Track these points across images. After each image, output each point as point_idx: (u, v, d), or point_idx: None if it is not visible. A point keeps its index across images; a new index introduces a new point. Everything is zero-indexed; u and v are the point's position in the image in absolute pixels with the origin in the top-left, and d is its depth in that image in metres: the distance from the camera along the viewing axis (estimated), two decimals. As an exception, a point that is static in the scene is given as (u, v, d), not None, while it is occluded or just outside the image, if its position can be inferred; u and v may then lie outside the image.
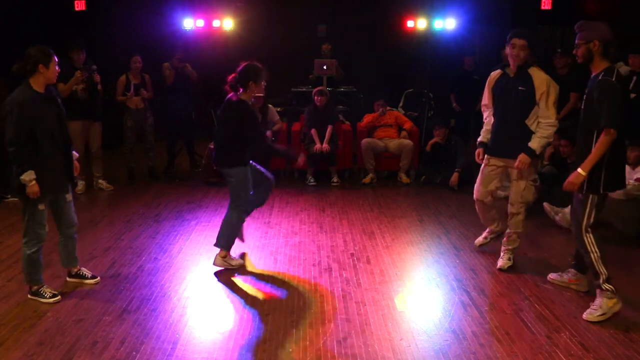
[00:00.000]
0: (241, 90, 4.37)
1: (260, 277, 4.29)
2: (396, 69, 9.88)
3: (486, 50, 9.41)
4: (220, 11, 8.84)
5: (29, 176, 3.61)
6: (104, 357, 3.13)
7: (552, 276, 4.21)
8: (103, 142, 6.89)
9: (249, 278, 4.28)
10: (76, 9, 8.82)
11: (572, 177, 3.57)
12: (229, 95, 4.43)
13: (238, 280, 4.26)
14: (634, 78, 6.21)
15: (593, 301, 3.66)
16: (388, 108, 7.79)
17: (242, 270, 4.44)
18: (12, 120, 3.59)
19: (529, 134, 4.23)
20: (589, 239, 3.60)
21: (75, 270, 4.19)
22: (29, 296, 3.85)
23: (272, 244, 5.03)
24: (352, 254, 4.75)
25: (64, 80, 6.35)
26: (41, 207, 3.77)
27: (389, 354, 3.18)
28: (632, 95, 6.14)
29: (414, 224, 5.64)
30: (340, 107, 8.44)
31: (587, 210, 3.59)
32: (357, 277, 4.26)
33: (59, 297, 3.83)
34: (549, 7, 9.22)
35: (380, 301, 3.85)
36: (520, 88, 4.22)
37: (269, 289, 4.06)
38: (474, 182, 7.09)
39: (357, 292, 3.99)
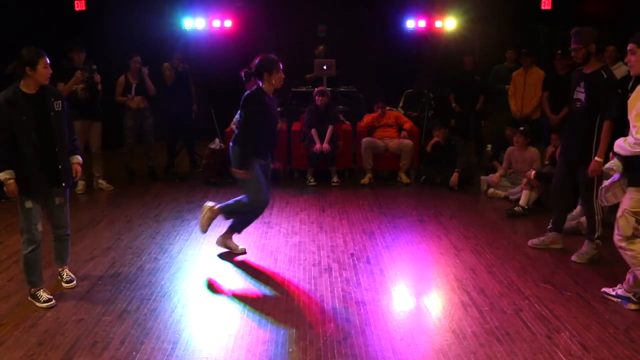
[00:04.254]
0: (259, 83, 4.44)
1: (260, 277, 4.29)
2: (396, 69, 9.88)
3: (486, 50, 9.41)
4: (220, 11, 8.84)
5: (4, 175, 3.62)
6: (104, 357, 3.13)
7: (532, 241, 4.86)
8: (103, 142, 6.89)
9: (249, 278, 4.27)
10: (76, 9, 8.83)
11: (593, 166, 4.19)
12: (249, 88, 4.52)
13: (238, 280, 4.27)
14: (633, 78, 6.20)
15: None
16: (388, 108, 7.79)
17: (242, 270, 4.44)
18: None
19: None
20: (597, 205, 4.34)
21: (60, 269, 4.17)
22: (28, 298, 3.85)
23: (272, 244, 5.03)
24: (352, 254, 4.75)
25: (64, 80, 6.36)
26: (28, 205, 3.73)
27: (389, 354, 3.18)
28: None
29: (414, 224, 5.64)
30: (340, 107, 8.44)
31: (595, 183, 4.24)
32: (357, 277, 4.26)
33: (53, 302, 3.76)
34: (549, 7, 9.24)
35: (380, 301, 3.85)
36: None
37: (269, 289, 4.06)
38: (474, 182, 7.16)
39: (357, 292, 3.99)
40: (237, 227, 4.76)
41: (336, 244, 5.00)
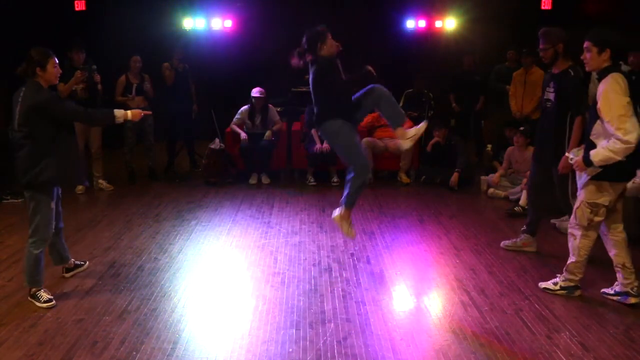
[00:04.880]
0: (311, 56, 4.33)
1: (260, 277, 4.29)
2: (396, 69, 9.87)
3: (486, 50, 9.41)
4: (220, 11, 8.84)
5: (119, 112, 3.92)
6: (104, 357, 3.13)
7: (505, 243, 4.87)
8: (103, 142, 6.90)
9: (249, 278, 4.27)
10: (76, 9, 8.83)
11: (563, 162, 4.15)
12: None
13: (238, 280, 4.27)
14: (634, 78, 6.20)
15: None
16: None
17: (242, 270, 4.44)
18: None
19: None
20: (573, 201, 4.18)
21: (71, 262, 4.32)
22: (28, 298, 3.85)
23: (272, 244, 5.03)
24: (352, 254, 4.75)
25: (63, 80, 6.34)
26: (52, 205, 3.82)
27: (389, 354, 3.18)
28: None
29: (414, 224, 5.64)
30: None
31: (569, 180, 4.32)
32: (357, 277, 4.26)
33: (53, 302, 3.76)
34: (549, 7, 9.23)
35: (380, 301, 3.85)
36: None
37: (269, 289, 4.06)
38: (474, 182, 7.16)
39: (357, 292, 3.99)
40: (351, 202, 4.33)
41: (336, 244, 5.00)
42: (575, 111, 4.26)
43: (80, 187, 6.70)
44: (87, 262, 4.40)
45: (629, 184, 5.11)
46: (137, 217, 5.79)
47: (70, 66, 6.38)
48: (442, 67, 9.04)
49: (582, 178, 3.76)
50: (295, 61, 4.51)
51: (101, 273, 4.30)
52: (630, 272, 3.76)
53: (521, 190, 6.06)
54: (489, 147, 8.82)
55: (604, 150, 3.48)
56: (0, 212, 5.96)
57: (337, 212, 4.36)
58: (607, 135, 3.49)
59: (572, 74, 4.29)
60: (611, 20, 8.50)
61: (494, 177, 6.74)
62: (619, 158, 3.45)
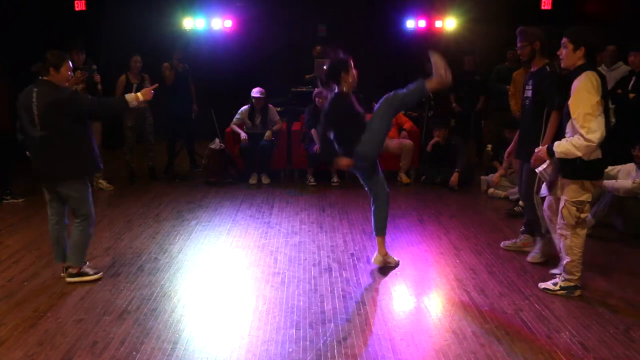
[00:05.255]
0: (335, 86, 4.39)
1: (260, 277, 4.29)
2: (396, 69, 9.88)
3: (486, 50, 9.41)
4: (220, 11, 8.84)
5: (130, 96, 4.27)
6: (104, 357, 3.13)
7: (505, 243, 4.90)
8: (103, 142, 6.89)
9: (249, 278, 4.27)
10: (76, 9, 8.83)
11: (540, 153, 3.97)
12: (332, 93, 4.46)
13: (238, 280, 4.27)
14: (634, 78, 6.21)
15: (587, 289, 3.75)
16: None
17: (242, 270, 4.44)
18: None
19: None
20: (537, 200, 4.45)
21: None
22: (69, 280, 4.10)
23: (272, 244, 5.03)
24: (352, 254, 4.75)
25: (64, 80, 6.36)
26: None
27: (389, 354, 3.18)
28: (632, 95, 6.14)
29: (414, 224, 5.64)
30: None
31: (537, 178, 4.29)
32: (357, 277, 4.26)
33: (101, 273, 4.21)
34: (549, 7, 9.24)
35: (380, 301, 3.85)
36: None
37: (269, 289, 4.06)
38: (474, 182, 7.16)
39: (357, 292, 3.99)
40: (382, 230, 4.51)
41: (336, 244, 5.00)
42: (550, 105, 4.24)
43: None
44: (101, 273, 4.25)
45: (629, 184, 5.14)
46: (137, 217, 5.79)
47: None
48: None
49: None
50: (320, 96, 4.63)
51: (101, 273, 4.30)
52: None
53: (522, 191, 6.06)
54: (489, 147, 8.81)
55: (567, 144, 3.58)
56: (0, 212, 5.96)
57: (375, 255, 4.49)
58: (574, 131, 3.58)
59: (548, 69, 4.30)
60: (611, 20, 8.51)
61: (494, 177, 6.71)
62: (579, 154, 3.54)
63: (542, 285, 4.01)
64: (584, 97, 3.52)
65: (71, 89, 4.18)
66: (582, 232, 3.82)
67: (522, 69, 7.34)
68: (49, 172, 4.01)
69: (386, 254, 4.48)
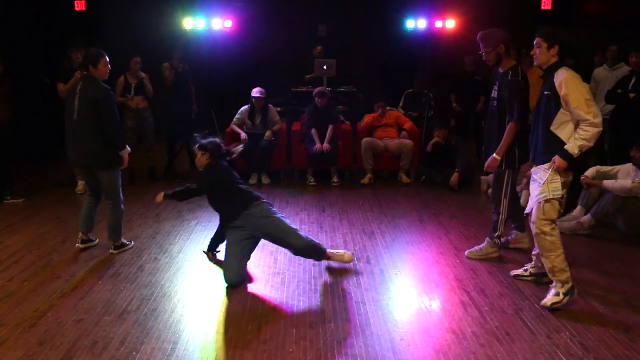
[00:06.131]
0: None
1: (260, 277, 4.28)
2: (396, 69, 9.88)
3: (486, 51, 9.40)
4: (220, 11, 8.83)
5: (126, 151, 4.65)
6: (104, 357, 3.13)
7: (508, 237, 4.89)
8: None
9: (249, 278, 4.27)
10: (76, 9, 8.82)
11: (490, 162, 4.38)
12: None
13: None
14: (634, 78, 6.21)
15: (549, 291, 3.88)
16: (388, 108, 7.79)
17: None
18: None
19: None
20: (504, 204, 4.51)
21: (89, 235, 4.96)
22: (113, 252, 4.70)
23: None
24: (352, 254, 4.75)
25: (64, 80, 6.36)
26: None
27: (389, 354, 3.18)
28: (632, 95, 6.14)
29: (414, 224, 5.64)
30: (340, 107, 8.44)
31: (506, 181, 4.44)
32: (357, 277, 4.26)
33: (132, 242, 4.89)
34: (549, 7, 9.23)
35: (380, 301, 3.85)
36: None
37: (269, 289, 4.06)
38: (474, 182, 7.16)
39: (357, 292, 3.99)
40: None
41: (336, 244, 5.00)
42: (510, 115, 4.23)
43: (79, 188, 6.70)
44: (97, 239, 4.93)
45: (629, 184, 5.14)
46: (137, 217, 5.79)
47: (71, 66, 6.38)
48: (442, 67, 9.03)
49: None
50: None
51: (101, 273, 4.30)
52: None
53: (521, 191, 6.06)
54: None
55: (577, 142, 3.57)
56: (0, 212, 5.96)
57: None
58: (574, 120, 3.59)
59: (511, 75, 4.25)
60: (611, 20, 8.51)
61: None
62: (592, 144, 3.57)
63: (547, 302, 3.72)
64: (578, 85, 3.57)
65: (111, 94, 4.61)
66: (557, 224, 3.80)
67: (522, 69, 7.36)
68: (80, 159, 4.58)
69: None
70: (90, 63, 4.52)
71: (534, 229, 3.78)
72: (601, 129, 3.54)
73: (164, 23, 8.90)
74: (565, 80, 3.58)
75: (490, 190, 6.67)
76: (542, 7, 9.26)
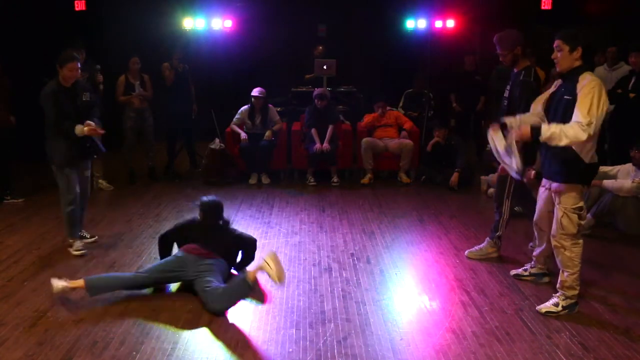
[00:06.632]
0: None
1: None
2: (396, 69, 9.88)
3: (486, 51, 9.41)
4: (220, 11, 8.83)
5: (79, 128, 4.55)
6: (104, 357, 3.13)
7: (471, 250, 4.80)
8: (103, 143, 6.86)
9: (249, 278, 4.27)
10: (76, 9, 8.81)
11: (524, 130, 3.74)
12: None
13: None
14: (634, 78, 6.21)
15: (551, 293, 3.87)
16: (388, 108, 7.79)
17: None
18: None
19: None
20: (507, 204, 4.51)
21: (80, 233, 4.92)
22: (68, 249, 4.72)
23: (272, 244, 5.03)
24: (352, 254, 4.75)
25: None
26: (68, 172, 4.64)
27: (389, 354, 3.18)
28: (632, 95, 6.14)
29: (414, 224, 5.64)
30: (340, 107, 8.44)
31: (509, 181, 4.42)
32: (357, 277, 4.26)
33: (85, 251, 4.69)
34: (549, 7, 9.22)
35: (380, 301, 3.85)
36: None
37: (269, 289, 4.06)
38: (474, 182, 7.16)
39: (357, 292, 3.99)
40: None
41: (336, 244, 5.00)
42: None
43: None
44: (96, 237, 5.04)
45: (629, 184, 5.15)
46: (137, 217, 5.79)
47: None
48: (442, 67, 9.03)
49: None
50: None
51: (101, 273, 4.29)
52: (548, 259, 4.05)
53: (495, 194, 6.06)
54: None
55: (555, 129, 3.36)
56: (0, 212, 5.96)
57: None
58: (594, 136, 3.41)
59: (523, 75, 4.21)
60: (611, 20, 8.51)
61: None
62: (563, 142, 3.34)
63: (542, 309, 3.70)
64: (598, 93, 3.32)
65: (52, 89, 4.51)
66: (580, 240, 3.65)
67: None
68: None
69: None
70: (58, 63, 4.48)
71: (553, 242, 3.68)
72: (582, 140, 3.30)
73: (164, 23, 8.89)
74: (589, 83, 3.36)
75: (490, 190, 6.70)
76: (542, 7, 9.25)
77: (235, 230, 4.35)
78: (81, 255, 4.64)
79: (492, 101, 8.25)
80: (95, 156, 4.99)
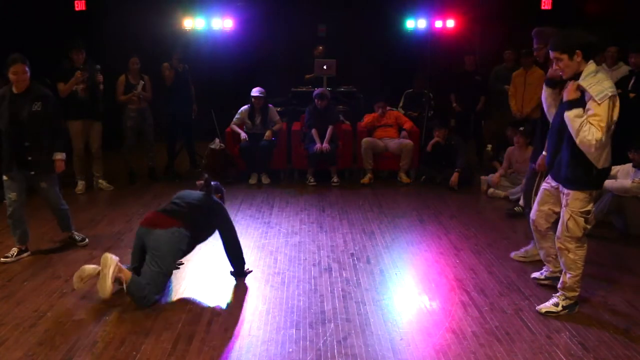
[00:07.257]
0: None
1: (260, 277, 4.29)
2: (396, 69, 9.88)
3: (486, 50, 9.41)
4: (220, 11, 8.83)
5: None
6: (104, 357, 3.13)
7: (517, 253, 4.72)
8: (103, 142, 6.89)
9: (249, 278, 4.27)
10: (76, 9, 8.83)
11: (541, 160, 4.11)
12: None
13: (238, 280, 4.26)
14: (633, 78, 6.21)
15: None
16: (388, 108, 7.79)
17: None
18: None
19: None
20: (533, 200, 4.19)
21: (69, 235, 4.94)
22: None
23: (272, 244, 5.03)
24: (352, 254, 4.75)
25: (64, 80, 6.37)
26: (4, 178, 4.53)
27: (389, 354, 3.18)
28: (632, 95, 6.14)
29: (414, 224, 5.64)
30: (341, 107, 8.44)
31: (538, 179, 4.34)
32: (357, 277, 4.26)
33: (10, 260, 4.50)
34: (549, 7, 9.23)
35: (380, 301, 3.85)
36: None
37: (269, 289, 4.06)
38: (474, 182, 7.17)
39: (357, 292, 3.99)
40: None
41: (336, 244, 5.00)
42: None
43: (79, 187, 6.71)
44: (87, 240, 4.98)
45: (629, 184, 5.14)
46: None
47: (71, 66, 6.39)
48: (442, 67, 9.04)
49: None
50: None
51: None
52: (556, 260, 3.88)
53: (521, 191, 6.07)
54: (489, 147, 8.82)
55: (585, 120, 3.27)
56: (0, 212, 5.95)
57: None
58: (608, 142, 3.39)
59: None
60: (611, 20, 8.50)
61: (494, 177, 6.74)
62: (575, 132, 3.27)
63: (542, 308, 3.69)
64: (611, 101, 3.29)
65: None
66: (585, 243, 3.61)
67: (521, 70, 7.36)
68: None
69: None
70: (4, 65, 4.34)
71: (557, 243, 3.65)
72: (593, 142, 3.22)
73: (164, 23, 8.90)
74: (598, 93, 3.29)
75: (490, 190, 6.71)
76: (542, 7, 9.26)
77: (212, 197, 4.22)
78: (5, 263, 4.46)
79: (491, 101, 8.26)
80: (32, 173, 4.51)
